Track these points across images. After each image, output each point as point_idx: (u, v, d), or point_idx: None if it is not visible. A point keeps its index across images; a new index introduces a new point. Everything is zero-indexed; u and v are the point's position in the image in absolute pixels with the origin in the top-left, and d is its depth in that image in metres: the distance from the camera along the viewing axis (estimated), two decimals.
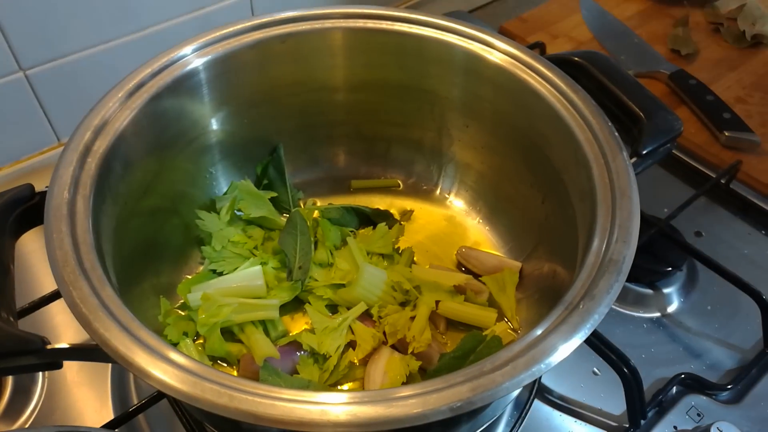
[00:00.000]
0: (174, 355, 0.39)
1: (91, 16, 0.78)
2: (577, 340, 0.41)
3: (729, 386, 0.64)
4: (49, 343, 0.41)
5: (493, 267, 0.66)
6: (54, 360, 0.42)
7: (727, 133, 0.84)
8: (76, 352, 0.41)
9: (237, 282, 0.62)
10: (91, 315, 0.40)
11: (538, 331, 0.41)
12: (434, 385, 0.38)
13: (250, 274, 0.63)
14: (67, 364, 0.46)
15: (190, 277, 0.65)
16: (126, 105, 0.54)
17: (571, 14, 1.10)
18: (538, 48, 1.00)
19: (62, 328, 0.69)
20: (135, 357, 0.39)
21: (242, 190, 0.67)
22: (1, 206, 0.47)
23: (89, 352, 0.41)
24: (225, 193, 0.69)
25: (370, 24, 0.63)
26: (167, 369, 0.38)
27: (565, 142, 0.56)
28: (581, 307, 0.42)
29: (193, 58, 0.58)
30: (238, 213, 0.68)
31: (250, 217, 0.68)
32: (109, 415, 0.62)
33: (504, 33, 1.06)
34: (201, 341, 0.61)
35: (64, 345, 0.41)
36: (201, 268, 0.66)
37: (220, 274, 0.64)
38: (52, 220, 0.45)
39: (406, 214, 0.73)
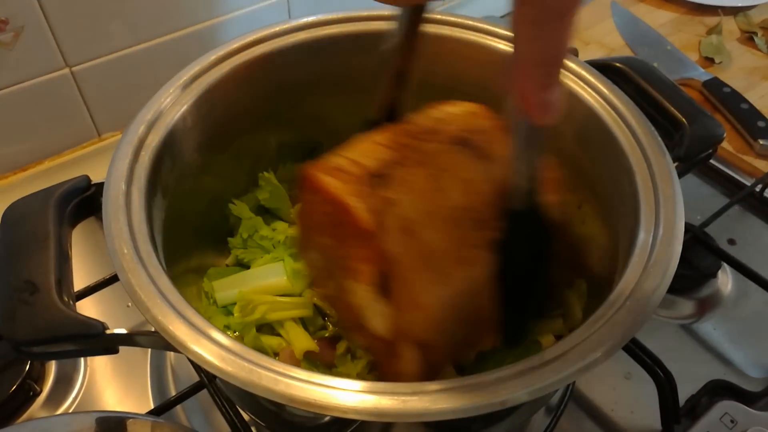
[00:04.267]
0: (229, 343, 0.40)
1: (133, 17, 0.80)
2: (623, 340, 0.42)
3: (763, 393, 0.64)
4: (108, 328, 0.42)
5: None
6: (112, 345, 0.43)
7: (761, 142, 0.85)
8: (134, 338, 0.42)
9: (262, 278, 0.63)
10: (150, 302, 0.41)
11: (588, 331, 0.42)
12: (510, 370, 0.39)
13: (274, 270, 0.63)
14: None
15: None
16: (178, 100, 0.55)
17: (603, 21, 1.11)
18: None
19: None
20: (192, 344, 0.40)
21: (263, 181, 0.69)
22: (61, 196, 0.48)
23: (147, 338, 0.42)
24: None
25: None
26: (225, 356, 0.39)
27: (606, 146, 0.56)
28: (627, 306, 0.43)
29: (245, 54, 0.60)
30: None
31: (270, 207, 0.69)
32: (148, 405, 0.64)
33: None
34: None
35: (122, 330, 0.42)
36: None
37: (242, 264, 0.66)
38: (110, 210, 0.46)
39: None
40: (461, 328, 0.49)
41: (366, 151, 0.50)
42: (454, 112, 0.56)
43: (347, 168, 0.48)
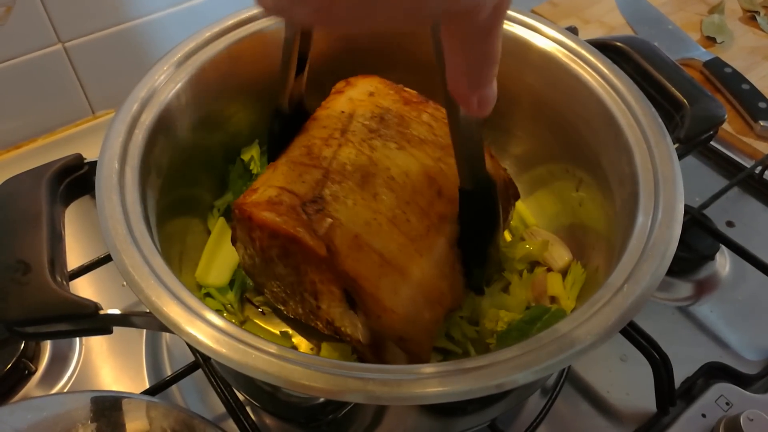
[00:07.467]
0: (224, 324, 0.40)
1: None
2: (621, 323, 0.42)
3: (759, 376, 0.64)
4: (102, 309, 0.42)
5: None
6: (106, 325, 0.43)
7: (762, 123, 0.84)
8: (128, 319, 0.42)
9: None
10: (144, 283, 0.41)
11: (585, 314, 0.42)
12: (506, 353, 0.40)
13: None
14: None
15: None
16: (172, 78, 0.54)
17: None
18: None
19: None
20: (186, 325, 0.39)
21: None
22: (53, 175, 0.47)
23: (141, 318, 0.42)
24: None
25: None
26: (219, 337, 0.39)
27: (606, 127, 0.56)
28: (625, 289, 0.43)
29: (240, 32, 0.59)
30: None
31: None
32: (143, 385, 0.63)
33: None
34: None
35: (116, 311, 0.42)
36: None
37: None
38: (103, 190, 0.46)
39: None
40: (433, 306, 0.51)
41: (290, 175, 0.51)
42: (356, 98, 0.58)
43: (281, 199, 0.49)
